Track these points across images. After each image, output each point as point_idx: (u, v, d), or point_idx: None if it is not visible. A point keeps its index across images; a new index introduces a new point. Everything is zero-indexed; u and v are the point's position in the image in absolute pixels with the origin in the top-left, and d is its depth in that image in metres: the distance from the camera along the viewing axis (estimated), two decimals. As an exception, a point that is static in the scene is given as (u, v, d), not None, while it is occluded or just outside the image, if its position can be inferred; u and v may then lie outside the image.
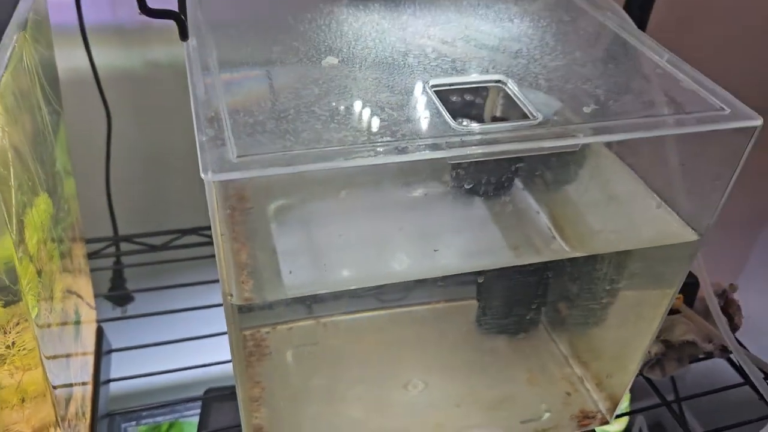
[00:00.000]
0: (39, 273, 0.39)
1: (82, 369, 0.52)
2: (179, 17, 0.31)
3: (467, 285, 0.56)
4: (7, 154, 0.33)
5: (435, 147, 0.30)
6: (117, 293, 0.70)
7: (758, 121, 0.35)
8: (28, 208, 0.37)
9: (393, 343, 0.55)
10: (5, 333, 0.38)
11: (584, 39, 0.42)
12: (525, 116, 0.34)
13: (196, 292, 0.66)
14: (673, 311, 0.60)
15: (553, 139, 0.32)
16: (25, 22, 0.37)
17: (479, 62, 0.38)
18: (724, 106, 0.36)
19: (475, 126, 0.32)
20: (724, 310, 0.62)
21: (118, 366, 0.61)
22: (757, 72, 0.87)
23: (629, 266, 0.46)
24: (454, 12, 0.44)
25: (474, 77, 0.37)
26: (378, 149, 0.30)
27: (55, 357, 0.43)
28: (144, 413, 0.78)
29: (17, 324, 0.38)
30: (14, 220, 0.34)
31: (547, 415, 0.51)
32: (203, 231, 0.71)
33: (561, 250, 0.44)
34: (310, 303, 0.54)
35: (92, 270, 0.64)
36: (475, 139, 0.31)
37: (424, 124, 0.32)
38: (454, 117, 0.33)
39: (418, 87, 0.35)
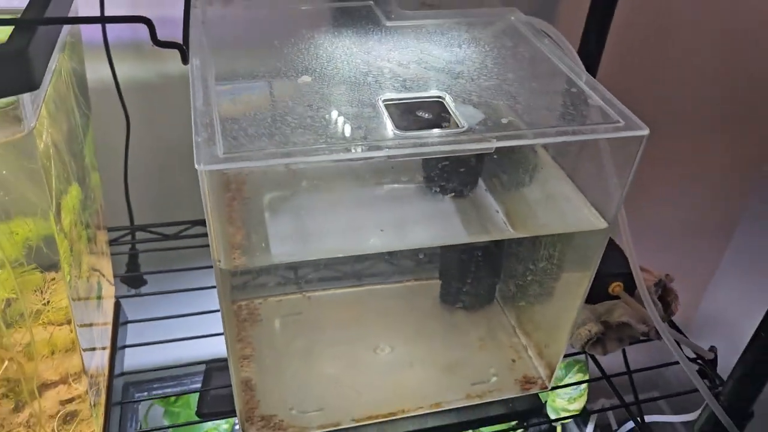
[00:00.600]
0: (71, 248, 0.49)
1: (102, 335, 0.62)
2: (182, 47, 0.41)
3: (432, 265, 0.66)
4: (50, 150, 0.42)
5: (375, 148, 0.39)
6: (132, 275, 0.79)
7: (645, 132, 0.44)
8: (64, 195, 0.47)
9: (366, 314, 0.64)
10: (42, 293, 0.47)
11: (519, 63, 0.51)
12: (455, 125, 0.43)
13: (202, 275, 0.75)
14: (614, 297, 0.68)
15: (469, 143, 0.41)
16: (64, 44, 0.46)
17: (426, 81, 0.47)
18: (620, 119, 0.44)
19: (411, 133, 0.41)
20: (663, 297, 0.71)
21: (132, 336, 0.71)
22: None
23: (559, 249, 0.55)
24: (413, 38, 0.53)
25: (419, 94, 0.46)
26: (330, 149, 0.39)
27: (82, 323, 0.52)
28: (154, 385, 0.87)
29: (51, 286, 0.48)
30: (54, 203, 0.44)
31: (494, 378, 0.60)
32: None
33: (508, 231, 0.53)
34: (296, 278, 0.64)
35: (111, 254, 0.74)
36: (409, 143, 0.40)
37: (371, 131, 0.42)
38: (405, 125, 0.42)
39: (372, 101, 0.44)
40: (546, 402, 0.88)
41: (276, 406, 0.56)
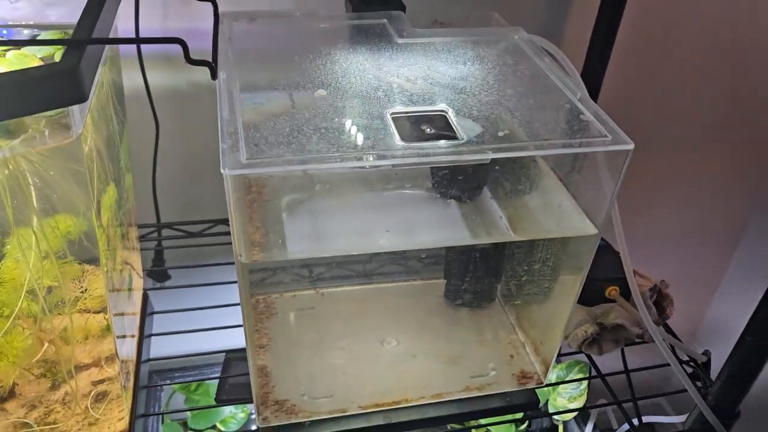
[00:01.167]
0: (108, 243, 0.54)
1: (132, 324, 0.67)
2: (211, 65, 0.45)
3: (437, 266, 0.71)
4: (92, 153, 0.47)
5: (381, 157, 0.44)
6: (158, 269, 0.85)
7: (629, 146, 0.48)
8: (103, 194, 0.52)
9: (375, 309, 0.69)
10: (80, 281, 0.52)
11: (519, 79, 0.56)
12: (455, 137, 0.47)
13: (223, 270, 0.80)
14: (610, 300, 0.72)
15: (466, 154, 0.45)
16: (106, 58, 0.51)
17: (431, 96, 0.52)
18: (608, 134, 0.49)
19: (415, 144, 0.46)
20: (658, 302, 0.74)
21: (158, 327, 0.76)
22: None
23: (553, 253, 0.60)
24: (422, 55, 0.58)
25: (424, 108, 0.50)
26: (342, 157, 0.43)
27: (115, 311, 0.57)
28: (176, 373, 0.93)
29: (88, 276, 0.53)
30: (95, 201, 0.49)
31: (493, 372, 0.64)
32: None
33: (509, 235, 0.57)
34: (310, 276, 0.69)
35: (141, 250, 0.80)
36: (412, 153, 0.45)
37: (379, 141, 0.46)
38: (410, 137, 0.47)
39: (381, 114, 0.49)
40: (547, 401, 0.92)
41: (289, 391, 0.60)
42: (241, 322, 0.53)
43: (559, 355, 1.00)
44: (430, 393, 0.61)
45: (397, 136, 0.46)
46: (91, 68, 0.42)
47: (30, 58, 0.49)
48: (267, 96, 0.51)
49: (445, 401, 0.62)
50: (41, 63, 0.49)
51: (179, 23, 0.76)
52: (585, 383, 0.88)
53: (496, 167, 0.60)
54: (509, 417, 0.94)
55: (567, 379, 0.89)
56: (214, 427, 0.93)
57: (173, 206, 0.87)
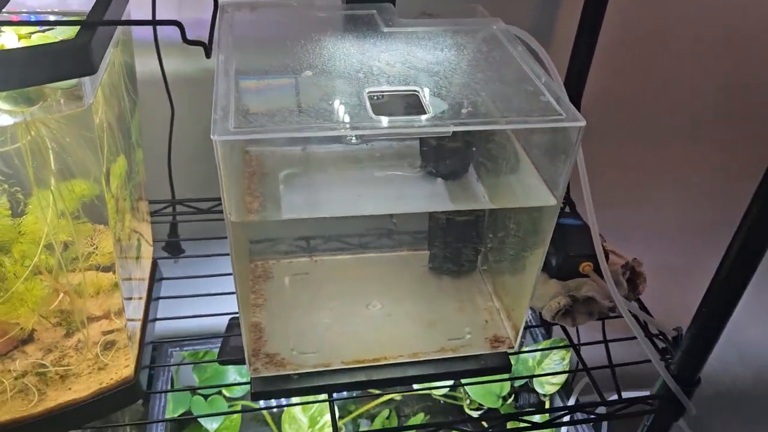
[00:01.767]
0: (117, 207, 0.61)
1: (140, 286, 0.73)
2: (205, 44, 0.52)
3: (423, 238, 0.76)
4: (103, 125, 0.54)
5: (353, 128, 0.50)
6: (172, 240, 0.92)
7: (581, 123, 0.53)
8: (113, 163, 0.59)
9: (364, 276, 0.76)
10: (92, 239, 0.59)
11: (489, 65, 0.61)
12: (423, 113, 0.53)
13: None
14: (584, 275, 0.77)
15: (430, 127, 0.51)
16: (118, 41, 0.58)
17: (406, 78, 0.57)
18: (563, 112, 0.54)
19: (385, 117, 0.51)
20: (632, 279, 0.79)
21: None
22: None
23: (522, 224, 0.65)
24: (404, 43, 0.63)
25: (398, 87, 0.56)
26: (317, 127, 0.49)
27: (123, 270, 0.63)
28: (185, 342, 0.99)
29: (99, 236, 0.59)
30: (105, 167, 0.55)
31: (468, 336, 0.69)
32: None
33: (486, 202, 0.63)
34: (307, 246, 0.75)
35: (154, 224, 0.87)
36: (383, 125, 0.51)
37: (354, 115, 0.52)
38: (383, 112, 0.53)
39: (359, 92, 0.55)
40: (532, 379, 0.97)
41: (279, 346, 0.66)
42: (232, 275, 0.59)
43: (547, 328, 1.05)
44: (408, 352, 0.67)
45: (370, 111, 0.52)
46: (101, 46, 0.48)
47: (51, 39, 0.55)
48: (258, 76, 0.58)
49: (423, 361, 0.67)
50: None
51: (192, 13, 0.82)
52: (567, 360, 0.93)
53: (476, 148, 0.65)
54: (498, 392, 0.99)
55: (551, 355, 0.94)
56: (219, 392, 1.00)
57: (187, 184, 0.94)
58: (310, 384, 0.66)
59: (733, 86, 1.03)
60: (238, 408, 1.00)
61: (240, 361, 0.76)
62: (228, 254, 0.85)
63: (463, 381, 0.96)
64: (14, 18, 0.62)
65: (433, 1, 0.81)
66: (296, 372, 0.65)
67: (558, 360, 0.94)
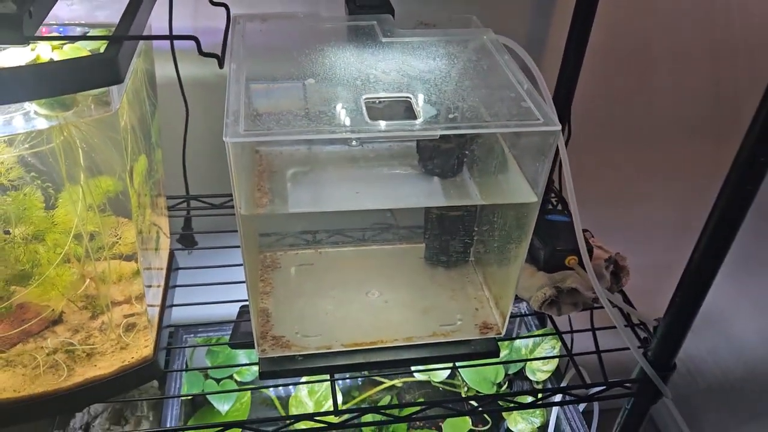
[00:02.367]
0: (139, 202, 0.67)
1: (158, 275, 0.80)
2: (218, 56, 0.58)
3: (420, 232, 0.82)
4: (127, 127, 0.60)
5: (350, 131, 0.56)
6: (186, 233, 0.98)
7: (557, 128, 0.59)
8: (135, 162, 0.65)
9: (365, 267, 0.82)
10: (116, 230, 0.65)
11: (477, 73, 0.66)
12: (414, 118, 0.59)
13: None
14: (569, 268, 0.82)
15: (420, 131, 0.57)
16: (141, 51, 0.64)
17: (400, 85, 0.63)
18: (541, 117, 0.59)
19: (380, 122, 0.57)
20: (615, 273, 0.84)
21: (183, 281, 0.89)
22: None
23: (508, 217, 0.71)
24: (399, 52, 0.69)
25: (392, 94, 0.62)
26: (318, 130, 0.55)
27: (143, 259, 0.70)
28: (199, 328, 1.06)
29: (122, 227, 0.66)
30: (128, 165, 0.62)
31: (459, 322, 0.75)
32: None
33: (477, 199, 0.69)
34: (314, 239, 0.81)
35: (170, 217, 0.93)
36: (377, 129, 0.56)
37: (351, 120, 0.58)
38: (378, 117, 0.58)
39: (356, 99, 0.60)
40: (525, 366, 1.02)
41: (285, 330, 0.73)
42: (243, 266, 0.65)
43: (540, 319, 1.10)
44: (403, 336, 0.73)
45: (366, 116, 0.58)
46: (127, 58, 0.54)
47: (81, 50, 0.62)
48: (266, 83, 0.64)
49: (417, 345, 0.73)
50: (89, 54, 0.62)
51: (207, 22, 0.89)
52: (557, 349, 0.99)
53: (468, 150, 0.71)
54: (493, 379, 1.05)
55: (542, 344, 1.00)
56: (231, 377, 1.06)
57: (201, 181, 1.00)
58: (313, 365, 0.72)
59: (716, 92, 1.09)
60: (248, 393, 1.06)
61: (249, 345, 0.82)
62: (238, 246, 0.92)
63: (459, 368, 1.02)
64: (44, 30, 0.68)
65: (430, 11, 0.87)
66: (300, 353, 0.71)
67: (549, 349, 0.99)
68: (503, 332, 0.75)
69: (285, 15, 0.78)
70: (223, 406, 1.02)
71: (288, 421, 0.72)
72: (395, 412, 0.73)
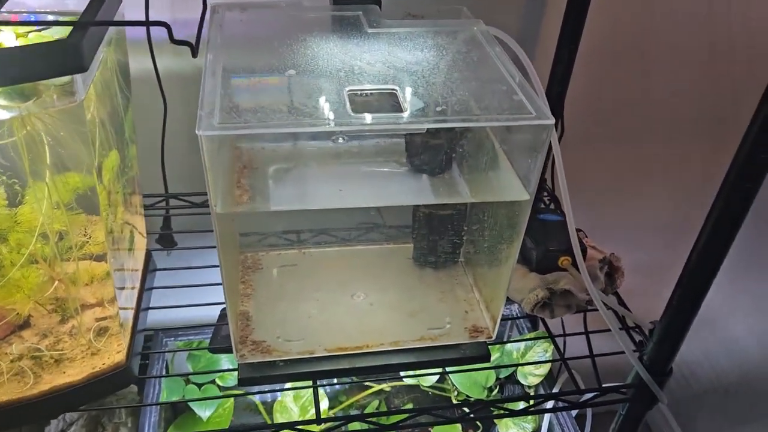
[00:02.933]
0: (109, 200, 0.63)
1: (133, 277, 0.76)
2: (191, 44, 0.54)
3: (408, 231, 0.79)
4: (95, 120, 0.57)
5: (332, 124, 0.52)
6: (165, 233, 0.94)
7: (550, 122, 0.55)
8: (105, 157, 0.61)
9: (350, 268, 0.79)
10: (85, 229, 0.62)
11: (466, 65, 0.63)
12: (401, 111, 0.56)
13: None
14: (562, 269, 0.79)
15: (406, 124, 0.53)
16: (110, 40, 0.61)
17: (386, 77, 0.60)
18: (534, 111, 0.56)
19: (363, 115, 0.54)
20: (610, 274, 0.81)
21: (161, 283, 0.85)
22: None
23: (499, 216, 0.68)
24: (386, 43, 0.66)
25: (377, 86, 0.58)
26: (298, 123, 0.52)
27: (115, 260, 0.66)
28: (179, 332, 1.02)
29: (92, 226, 0.62)
30: (96, 161, 0.58)
31: (448, 326, 0.72)
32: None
33: (467, 197, 0.66)
34: (298, 239, 0.78)
35: (148, 217, 0.90)
36: (361, 123, 0.53)
37: (333, 113, 0.54)
38: (361, 109, 0.55)
39: (339, 91, 0.57)
40: (517, 369, 0.99)
41: (266, 334, 0.69)
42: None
43: (532, 322, 1.08)
44: (390, 340, 0.69)
45: (349, 109, 0.55)
46: (92, 45, 0.51)
47: (47, 38, 0.58)
48: (244, 74, 0.60)
49: (404, 349, 0.70)
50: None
51: (185, 13, 0.85)
52: (549, 353, 0.96)
53: (458, 145, 0.68)
54: (483, 383, 1.02)
55: (534, 348, 0.97)
56: (213, 381, 1.03)
57: (180, 178, 0.97)
58: (295, 370, 0.68)
59: (713, 90, 1.06)
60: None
61: (230, 350, 0.78)
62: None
63: (448, 372, 0.99)
64: (14, 17, 0.64)
65: (418, 2, 0.84)
66: (282, 359, 0.68)
67: (541, 352, 0.96)
68: (494, 336, 0.72)
69: (266, 4, 0.74)
70: (204, 412, 0.98)
71: (270, 430, 0.69)
72: (382, 419, 0.70)
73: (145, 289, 0.79)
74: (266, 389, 1.06)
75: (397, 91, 0.58)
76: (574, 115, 0.97)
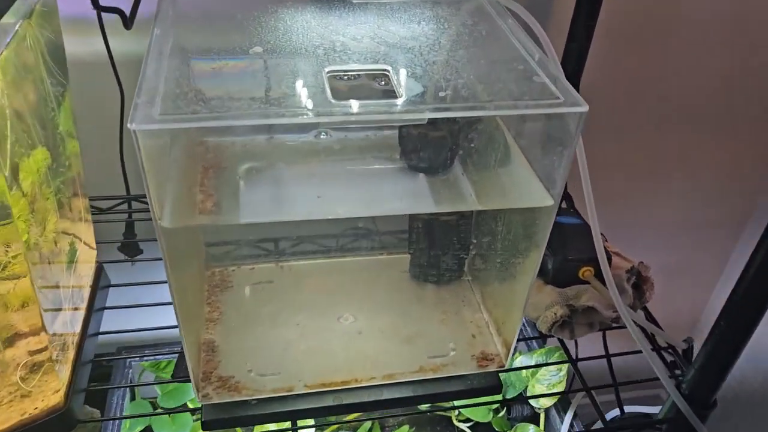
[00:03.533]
0: (32, 207, 0.51)
1: (75, 296, 0.64)
2: (122, 12, 0.43)
3: (404, 239, 0.67)
4: (5, 111, 0.45)
5: (307, 115, 0.41)
6: (128, 241, 0.82)
7: (583, 108, 0.44)
8: (25, 157, 0.49)
9: (336, 284, 0.67)
10: (6, 246, 0.50)
11: (474, 40, 0.52)
12: (394, 96, 0.44)
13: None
14: (584, 282, 0.68)
15: (402, 113, 0.42)
16: (31, 12, 0.49)
17: (375, 55, 0.48)
18: (561, 96, 0.45)
19: (347, 102, 0.42)
20: (637, 285, 0.70)
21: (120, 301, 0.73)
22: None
23: (514, 226, 0.56)
24: (375, 15, 0.54)
25: (364, 66, 0.47)
26: (261, 113, 0.40)
27: (44, 280, 0.54)
28: (146, 350, 0.91)
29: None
30: (8, 163, 0.46)
31: (452, 353, 0.61)
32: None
33: (473, 203, 0.54)
34: (276, 249, 0.66)
35: (106, 222, 0.78)
36: (342, 111, 0.41)
37: (308, 99, 0.43)
38: (345, 95, 0.44)
39: (316, 72, 0.46)
40: (527, 387, 0.88)
41: (235, 367, 0.58)
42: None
43: (543, 338, 0.96)
44: (382, 373, 0.58)
45: (329, 94, 0.43)
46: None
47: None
48: (200, 54, 0.48)
49: (400, 382, 0.59)
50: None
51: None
52: (564, 370, 0.85)
53: (462, 139, 0.56)
54: (488, 400, 0.91)
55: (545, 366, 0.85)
56: (184, 405, 0.91)
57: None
58: (270, 410, 0.57)
59: (741, 74, 0.95)
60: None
61: (196, 379, 0.67)
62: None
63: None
64: None
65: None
66: (254, 398, 0.56)
67: (554, 370, 0.85)
68: (507, 364, 0.61)
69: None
70: (173, 442, 0.87)
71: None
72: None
73: (94, 311, 0.67)
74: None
75: (389, 72, 0.46)
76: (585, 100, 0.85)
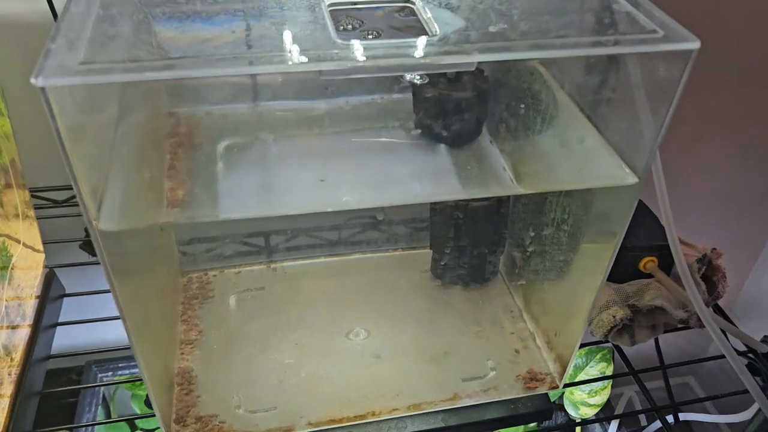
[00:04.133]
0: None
1: (12, 313, 0.51)
2: None
3: (423, 232, 0.54)
4: None
5: (313, 59, 0.27)
6: (89, 238, 0.69)
7: (695, 44, 0.31)
8: None
9: (343, 289, 0.54)
10: None
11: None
12: (423, 34, 0.31)
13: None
14: (646, 275, 0.56)
15: (438, 56, 0.28)
16: None
17: (392, -18, 0.35)
18: (658, 29, 0.32)
19: (357, 41, 0.29)
20: (707, 276, 0.58)
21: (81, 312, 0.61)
22: None
23: (574, 212, 0.43)
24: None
25: (379, -4, 0.34)
26: (230, 61, 0.27)
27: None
28: (120, 362, 0.78)
29: None
30: None
31: (492, 373, 0.48)
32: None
33: (514, 187, 0.41)
34: (267, 246, 0.53)
35: (63, 217, 0.65)
36: (352, 55, 0.28)
37: (303, 40, 0.30)
38: (353, 33, 0.31)
39: (314, 4, 0.32)
40: (563, 394, 0.76)
41: (219, 403, 0.45)
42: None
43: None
44: (405, 404, 0.45)
45: (332, 32, 0.30)
46: None
47: None
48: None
49: (427, 413, 0.46)
50: None
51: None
52: (609, 371, 0.73)
53: (497, 96, 0.43)
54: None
55: (587, 370, 0.73)
56: (167, 426, 0.79)
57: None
58: (265, 454, 0.44)
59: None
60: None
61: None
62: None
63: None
64: None
65: None
66: (242, 441, 0.44)
67: (597, 374, 0.73)
68: (561, 384, 0.48)
69: None
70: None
71: None
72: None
73: (43, 328, 0.54)
74: None
75: (414, 3, 0.33)
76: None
